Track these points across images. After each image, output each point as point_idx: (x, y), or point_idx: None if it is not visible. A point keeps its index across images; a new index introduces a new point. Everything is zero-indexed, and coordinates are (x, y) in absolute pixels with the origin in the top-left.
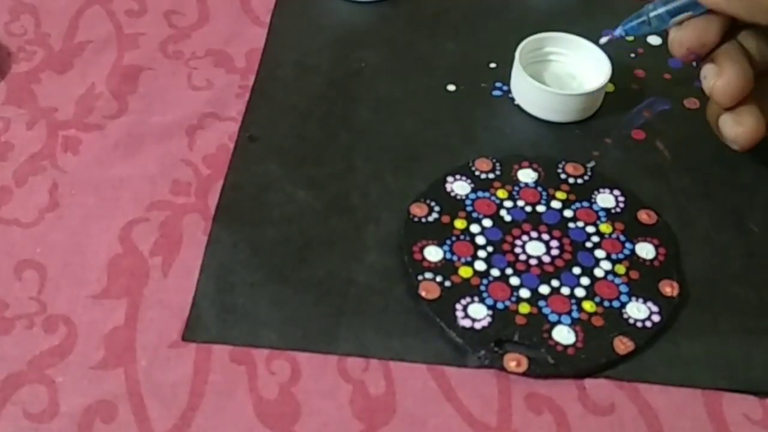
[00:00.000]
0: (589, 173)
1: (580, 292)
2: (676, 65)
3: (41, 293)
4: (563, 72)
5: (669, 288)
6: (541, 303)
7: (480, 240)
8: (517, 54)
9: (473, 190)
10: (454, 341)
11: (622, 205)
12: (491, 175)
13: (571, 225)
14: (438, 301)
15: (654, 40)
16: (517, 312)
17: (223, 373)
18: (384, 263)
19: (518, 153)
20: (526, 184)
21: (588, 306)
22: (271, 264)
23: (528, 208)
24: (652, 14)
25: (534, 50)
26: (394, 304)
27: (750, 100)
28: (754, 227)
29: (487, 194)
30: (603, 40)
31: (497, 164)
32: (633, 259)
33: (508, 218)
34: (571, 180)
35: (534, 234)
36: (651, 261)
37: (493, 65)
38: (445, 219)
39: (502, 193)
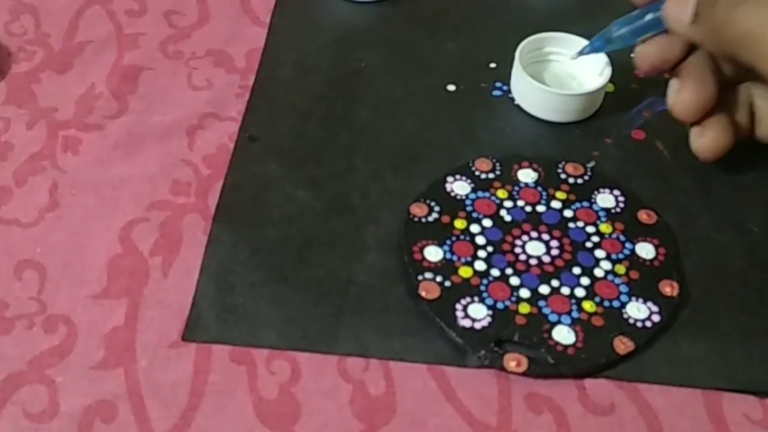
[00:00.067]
0: (589, 173)
1: (580, 292)
2: None
3: (41, 293)
4: (563, 72)
5: (669, 288)
6: (541, 303)
7: (480, 240)
8: (516, 54)
9: (473, 190)
10: (454, 341)
11: (622, 205)
12: (491, 175)
13: (571, 225)
14: (438, 301)
15: None
16: (517, 312)
17: (223, 373)
18: (384, 263)
19: (518, 153)
20: (526, 184)
21: (588, 306)
22: (271, 264)
23: (528, 208)
24: (615, 34)
25: (534, 50)
26: (394, 304)
27: (716, 111)
28: (754, 227)
29: (487, 194)
30: (572, 55)
31: (497, 164)
32: (633, 259)
33: (508, 218)
34: (571, 180)
35: (534, 234)
36: (651, 261)
37: (493, 65)
38: (445, 219)
39: (502, 193)
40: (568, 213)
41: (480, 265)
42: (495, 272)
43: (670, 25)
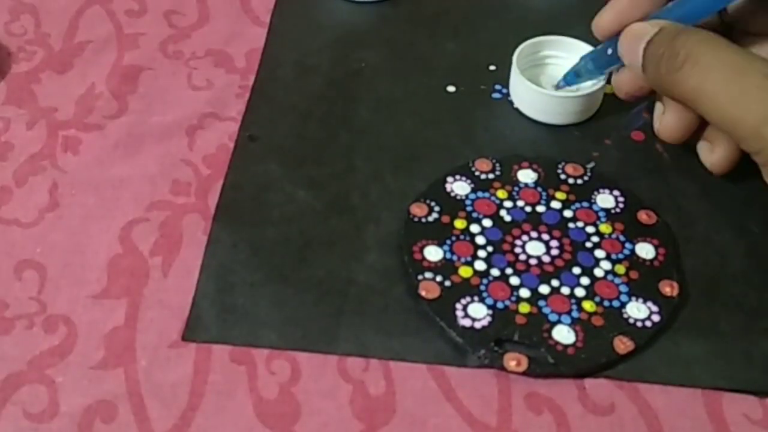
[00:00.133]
0: (588, 174)
1: (580, 292)
2: None
3: (41, 293)
4: (561, 75)
5: (669, 288)
6: (541, 303)
7: (480, 240)
8: (514, 58)
9: (473, 190)
10: (454, 341)
11: (621, 205)
12: (491, 176)
13: (570, 225)
14: (438, 300)
15: None
16: (517, 312)
17: (223, 373)
18: (384, 263)
19: (518, 153)
20: (526, 185)
21: (588, 306)
22: (271, 264)
23: (528, 209)
24: (583, 68)
25: (531, 54)
26: (394, 304)
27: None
28: (754, 227)
29: (487, 194)
30: (553, 91)
31: (497, 164)
32: (633, 259)
33: (508, 218)
34: (570, 180)
35: (534, 234)
36: (651, 261)
37: (492, 68)
38: (445, 219)
39: (502, 194)
40: (567, 213)
41: (480, 265)
42: (495, 272)
43: (627, 65)
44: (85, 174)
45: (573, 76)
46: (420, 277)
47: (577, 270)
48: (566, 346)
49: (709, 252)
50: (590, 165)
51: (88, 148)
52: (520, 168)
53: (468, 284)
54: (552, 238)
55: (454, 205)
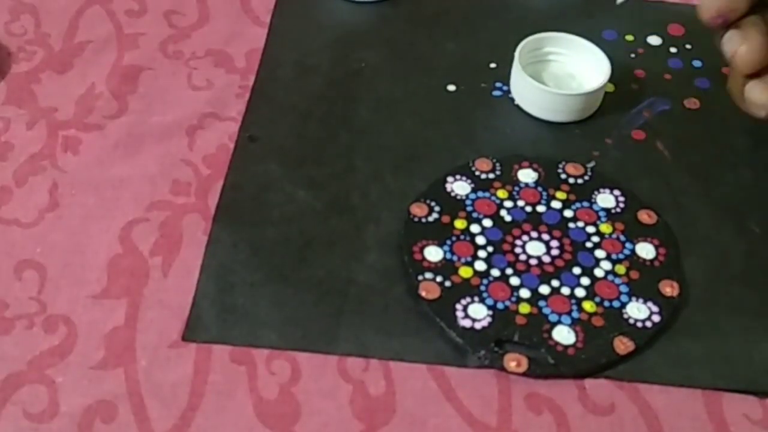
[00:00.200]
0: (589, 173)
1: (580, 292)
2: (676, 65)
3: (41, 293)
4: (563, 72)
5: (669, 288)
6: (541, 303)
7: (480, 240)
8: (516, 54)
9: (473, 190)
10: (454, 341)
11: (622, 205)
12: (491, 175)
13: (571, 225)
14: (438, 301)
15: (654, 40)
16: (517, 312)
17: (223, 373)
18: (384, 263)
19: (518, 153)
20: (526, 184)
21: (588, 306)
22: (271, 264)
23: (528, 208)
24: None
25: (533, 50)
26: (394, 304)
27: None
28: (754, 227)
29: (487, 194)
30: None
31: (497, 164)
32: (633, 259)
33: (508, 218)
34: (571, 180)
35: (534, 234)
36: (651, 261)
37: (493, 65)
38: (445, 219)
39: (502, 193)
40: (568, 213)
41: (480, 265)
42: (495, 272)
43: None
44: (85, 174)
45: None
46: (420, 277)
47: (577, 270)
48: (566, 347)
49: (709, 252)
50: (591, 164)
51: (88, 148)
52: (521, 167)
53: (468, 284)
54: (552, 238)
55: (454, 205)
